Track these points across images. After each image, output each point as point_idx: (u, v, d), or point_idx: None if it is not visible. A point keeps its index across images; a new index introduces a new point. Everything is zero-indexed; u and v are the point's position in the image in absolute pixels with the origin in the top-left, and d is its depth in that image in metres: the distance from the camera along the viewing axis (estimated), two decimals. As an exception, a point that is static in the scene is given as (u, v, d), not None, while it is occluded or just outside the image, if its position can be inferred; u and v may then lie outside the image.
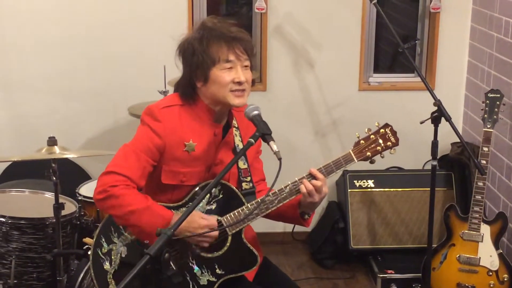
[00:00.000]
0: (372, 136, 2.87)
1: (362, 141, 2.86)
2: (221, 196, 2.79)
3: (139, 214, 2.66)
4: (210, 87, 2.75)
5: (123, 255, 2.79)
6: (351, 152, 2.85)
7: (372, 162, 2.88)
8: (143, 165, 2.73)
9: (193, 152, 2.78)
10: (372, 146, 2.86)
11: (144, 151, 2.73)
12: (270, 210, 2.78)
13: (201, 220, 2.71)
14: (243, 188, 2.85)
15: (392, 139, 2.88)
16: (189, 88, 2.80)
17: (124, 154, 2.75)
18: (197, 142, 2.78)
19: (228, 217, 2.77)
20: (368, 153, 2.85)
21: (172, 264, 2.63)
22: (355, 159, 2.84)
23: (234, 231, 2.78)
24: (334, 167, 2.82)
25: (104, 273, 2.80)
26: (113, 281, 2.79)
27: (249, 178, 2.88)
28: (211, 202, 2.79)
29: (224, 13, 5.10)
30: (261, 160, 3.02)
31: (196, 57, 2.73)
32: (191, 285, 2.78)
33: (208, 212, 2.78)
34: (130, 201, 2.66)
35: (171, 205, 2.80)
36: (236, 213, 2.76)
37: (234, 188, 2.81)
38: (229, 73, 2.73)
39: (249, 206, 2.77)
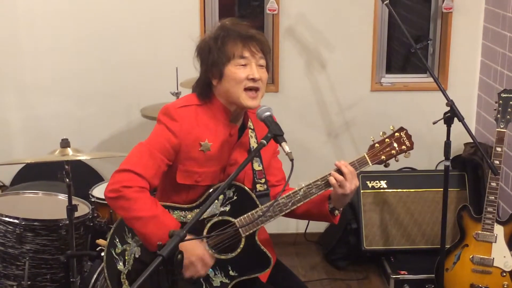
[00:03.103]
0: (387, 140, 2.88)
1: (376, 145, 2.86)
2: (235, 197, 2.79)
3: (145, 222, 2.66)
4: (224, 84, 2.76)
5: (137, 256, 2.80)
6: (365, 155, 2.84)
7: (386, 165, 2.88)
8: (158, 164, 2.73)
9: (209, 151, 2.78)
10: (387, 149, 2.86)
11: (159, 150, 2.73)
12: (284, 213, 2.78)
13: (199, 250, 2.71)
14: (257, 190, 2.85)
15: (407, 143, 2.89)
16: (205, 86, 2.82)
17: (139, 153, 2.75)
18: (212, 142, 2.78)
19: (242, 219, 2.77)
20: (383, 157, 2.85)
21: None
22: (369, 162, 2.84)
23: (247, 233, 2.78)
24: None
25: (118, 273, 2.81)
26: (126, 282, 2.79)
27: (263, 180, 2.87)
28: (225, 204, 2.79)
29: (237, 15, 5.10)
30: (280, 160, 3.02)
31: (212, 54, 2.75)
32: (204, 287, 2.78)
33: (222, 213, 2.78)
34: (139, 207, 2.66)
35: (185, 206, 2.80)
36: (250, 215, 2.77)
37: (248, 189, 2.81)
38: (243, 70, 2.74)
39: (263, 208, 2.77)
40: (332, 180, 2.74)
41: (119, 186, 2.67)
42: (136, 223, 2.68)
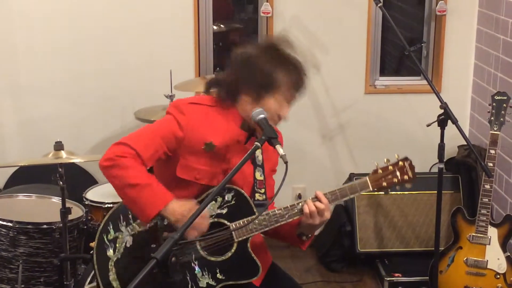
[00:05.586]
0: (390, 167, 2.89)
1: (380, 171, 2.88)
2: (233, 202, 2.80)
3: (140, 189, 2.65)
4: (253, 107, 2.75)
5: (128, 245, 2.79)
6: (368, 179, 2.86)
7: (386, 193, 2.90)
8: (156, 148, 2.74)
9: (212, 152, 2.78)
10: (389, 177, 2.88)
11: (162, 136, 2.75)
12: (279, 224, 2.79)
13: (192, 205, 2.67)
14: (255, 199, 2.86)
15: (410, 173, 2.90)
16: (231, 93, 2.81)
17: (142, 132, 2.79)
18: (218, 144, 2.79)
19: (237, 224, 2.78)
20: (384, 183, 2.87)
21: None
22: (370, 187, 2.86)
23: (240, 239, 2.79)
24: (349, 191, 2.84)
25: (106, 259, 2.80)
26: (114, 269, 2.78)
27: (263, 190, 2.88)
28: (223, 207, 2.79)
29: (230, 17, 5.10)
30: (274, 179, 3.02)
31: (260, 76, 2.75)
32: (190, 285, 2.78)
33: (219, 216, 2.79)
34: (133, 174, 2.66)
35: None
36: (246, 221, 2.77)
37: (248, 196, 2.82)
38: (280, 107, 2.78)
39: (259, 216, 2.78)
40: (305, 208, 2.76)
41: (113, 156, 2.68)
42: (130, 191, 2.66)
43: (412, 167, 2.91)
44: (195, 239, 2.70)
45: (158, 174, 2.85)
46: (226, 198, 2.79)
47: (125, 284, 2.74)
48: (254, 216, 2.76)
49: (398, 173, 2.88)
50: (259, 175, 2.89)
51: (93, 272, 3.55)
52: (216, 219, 2.79)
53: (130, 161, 2.67)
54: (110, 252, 2.81)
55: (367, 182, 2.85)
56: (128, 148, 2.70)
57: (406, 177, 2.89)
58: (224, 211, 2.79)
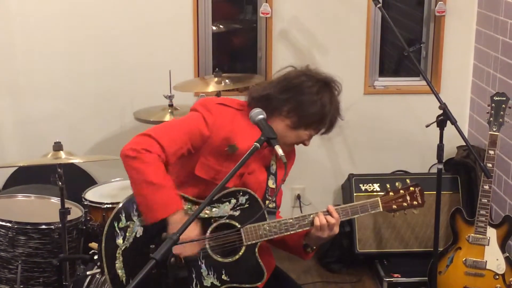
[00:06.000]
0: (401, 191, 2.98)
1: (391, 193, 2.97)
2: (246, 205, 2.82)
3: (156, 189, 2.67)
4: (287, 130, 2.85)
5: (138, 235, 2.78)
6: (379, 200, 2.93)
7: (394, 215, 3.00)
8: (181, 144, 2.76)
9: (233, 154, 2.80)
10: (399, 200, 2.97)
11: (188, 133, 2.76)
12: (288, 233, 2.82)
13: (194, 232, 2.71)
14: (265, 206, 2.88)
15: (419, 199, 2.99)
16: (270, 110, 2.81)
17: (168, 125, 2.81)
18: (240, 147, 2.80)
19: (248, 228, 2.79)
20: (394, 206, 2.96)
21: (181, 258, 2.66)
22: (381, 207, 2.94)
23: (249, 243, 2.80)
24: (360, 210, 2.90)
25: (115, 247, 2.77)
26: (121, 257, 2.77)
27: (274, 198, 2.91)
28: (236, 209, 2.81)
29: (229, 18, 5.10)
30: (282, 189, 3.03)
31: (310, 111, 2.84)
32: (194, 283, 2.79)
33: (231, 217, 2.81)
34: (154, 172, 2.68)
35: (198, 200, 2.83)
36: (256, 226, 2.80)
37: (261, 202, 2.84)
38: (308, 138, 2.91)
39: (270, 223, 2.80)
40: (316, 221, 2.81)
41: (140, 148, 2.70)
42: (146, 187, 2.68)
43: (422, 193, 3.00)
44: (198, 239, 2.72)
45: (176, 169, 2.85)
46: (240, 201, 2.81)
47: (131, 273, 2.74)
48: (265, 222, 2.80)
49: (408, 198, 2.98)
50: (271, 183, 2.92)
51: (94, 267, 3.55)
52: (227, 221, 2.81)
53: (153, 158, 2.69)
54: (119, 240, 2.79)
55: (378, 202, 2.93)
56: (154, 142, 2.71)
57: (415, 202, 2.98)
58: (237, 213, 2.81)
